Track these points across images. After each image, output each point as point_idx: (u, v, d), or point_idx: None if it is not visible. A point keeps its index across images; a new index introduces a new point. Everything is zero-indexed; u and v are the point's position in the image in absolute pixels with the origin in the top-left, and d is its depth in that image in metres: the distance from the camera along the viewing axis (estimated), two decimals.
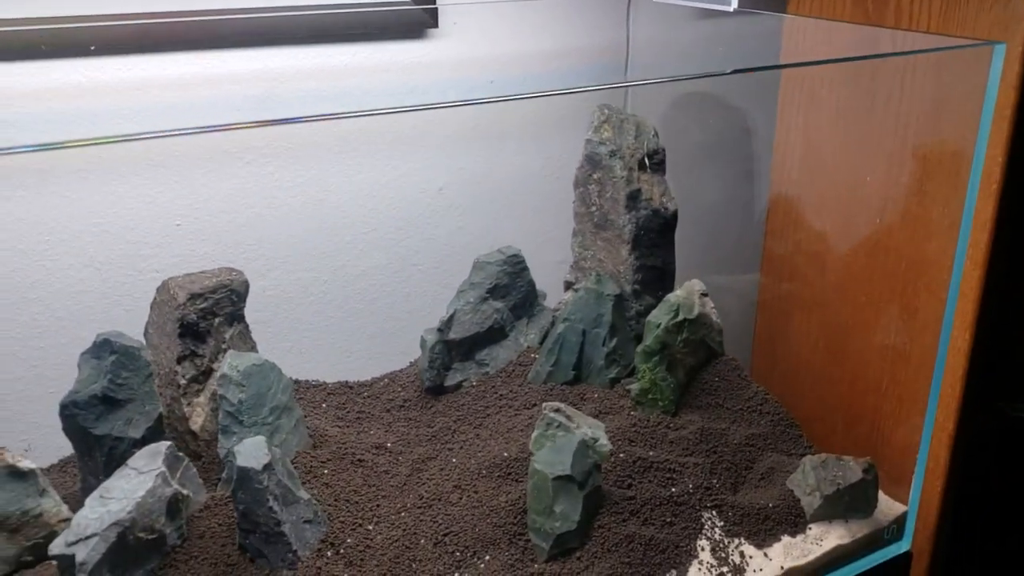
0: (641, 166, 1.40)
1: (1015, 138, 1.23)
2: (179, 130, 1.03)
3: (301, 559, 1.03)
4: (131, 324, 1.16)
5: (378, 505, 1.18)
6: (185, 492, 1.04)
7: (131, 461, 1.03)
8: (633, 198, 1.37)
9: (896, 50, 1.38)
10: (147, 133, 1.01)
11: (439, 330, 1.38)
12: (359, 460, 1.25)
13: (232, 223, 1.38)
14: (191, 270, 1.21)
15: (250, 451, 1.02)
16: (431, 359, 1.37)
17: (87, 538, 0.93)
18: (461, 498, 1.19)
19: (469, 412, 1.35)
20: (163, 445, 1.04)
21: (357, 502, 1.17)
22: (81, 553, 0.92)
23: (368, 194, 1.48)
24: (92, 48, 1.20)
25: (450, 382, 1.39)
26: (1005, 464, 1.45)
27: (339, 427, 1.33)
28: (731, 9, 1.28)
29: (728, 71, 1.22)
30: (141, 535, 0.96)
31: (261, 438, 1.05)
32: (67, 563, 0.93)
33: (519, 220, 1.62)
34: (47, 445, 1.23)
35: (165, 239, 1.34)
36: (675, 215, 1.42)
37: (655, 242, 1.41)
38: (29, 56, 1.16)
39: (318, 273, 1.48)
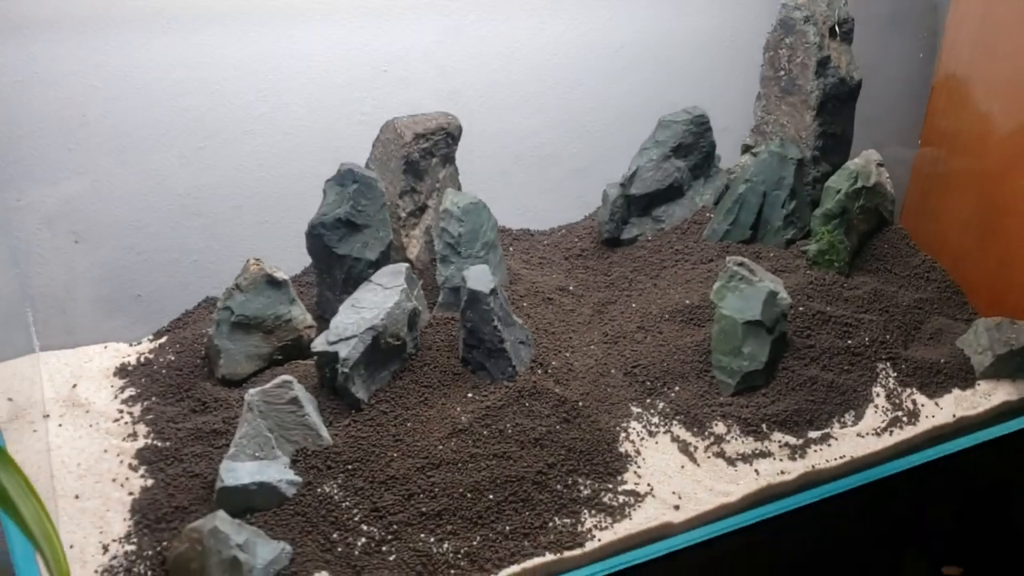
0: (832, 34, 1.42)
1: None
2: None
3: (518, 373, 1.15)
4: (342, 159, 1.25)
5: (570, 338, 1.29)
6: (419, 308, 1.16)
7: (375, 277, 1.15)
8: (823, 65, 1.40)
9: None
10: None
11: (621, 184, 1.45)
12: (548, 298, 1.36)
13: (433, 71, 1.45)
14: (393, 114, 1.30)
15: (478, 277, 1.13)
16: (612, 212, 1.45)
17: (347, 338, 1.07)
18: (646, 337, 1.29)
19: (646, 264, 1.44)
20: (403, 266, 1.16)
21: (554, 333, 1.28)
22: (343, 350, 1.06)
23: (552, 50, 1.53)
24: None
25: (627, 235, 1.48)
26: None
27: (527, 269, 1.44)
28: None
29: None
30: (389, 340, 1.09)
31: (485, 266, 1.16)
32: (330, 358, 1.06)
33: (691, 83, 1.65)
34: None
35: (373, 84, 1.42)
36: (859, 85, 1.45)
37: (838, 110, 1.44)
38: None
39: (504, 124, 1.55)
